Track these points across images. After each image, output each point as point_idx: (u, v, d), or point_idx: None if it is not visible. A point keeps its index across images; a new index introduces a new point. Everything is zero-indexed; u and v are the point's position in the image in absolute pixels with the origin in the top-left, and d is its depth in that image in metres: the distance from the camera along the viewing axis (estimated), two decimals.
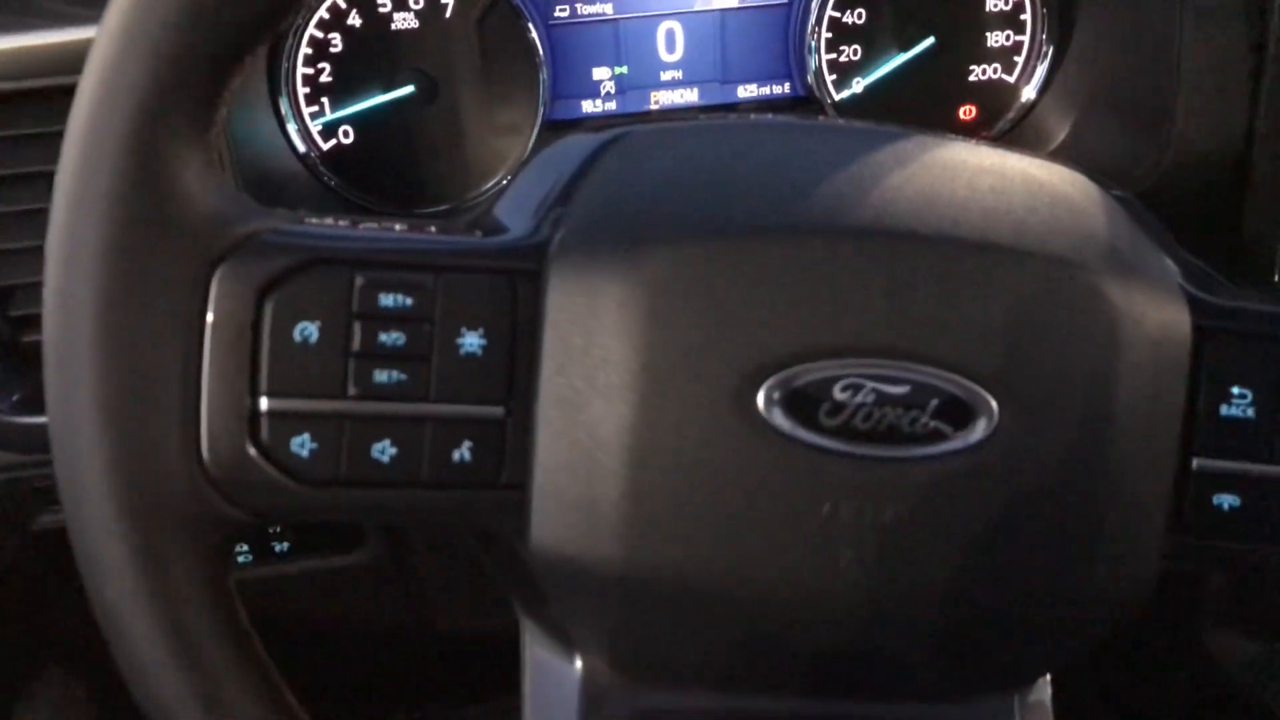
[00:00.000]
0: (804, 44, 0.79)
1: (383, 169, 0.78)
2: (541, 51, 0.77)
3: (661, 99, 0.80)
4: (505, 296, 0.43)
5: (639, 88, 0.80)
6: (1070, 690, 0.60)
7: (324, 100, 0.77)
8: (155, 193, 0.40)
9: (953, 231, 0.43)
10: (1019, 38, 0.80)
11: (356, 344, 0.42)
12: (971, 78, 0.80)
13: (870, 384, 0.42)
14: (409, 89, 0.76)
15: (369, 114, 0.77)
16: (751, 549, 0.42)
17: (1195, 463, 0.45)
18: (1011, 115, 0.81)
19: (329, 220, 0.44)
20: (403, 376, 0.42)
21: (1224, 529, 0.45)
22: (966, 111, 0.81)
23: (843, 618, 0.44)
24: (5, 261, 0.67)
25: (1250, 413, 0.44)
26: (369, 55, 0.76)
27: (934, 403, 0.42)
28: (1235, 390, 0.44)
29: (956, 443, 0.42)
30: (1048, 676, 0.51)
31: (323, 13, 0.75)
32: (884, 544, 0.42)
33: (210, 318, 0.41)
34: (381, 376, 0.42)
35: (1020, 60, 0.80)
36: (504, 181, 0.75)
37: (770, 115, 0.78)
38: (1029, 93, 0.80)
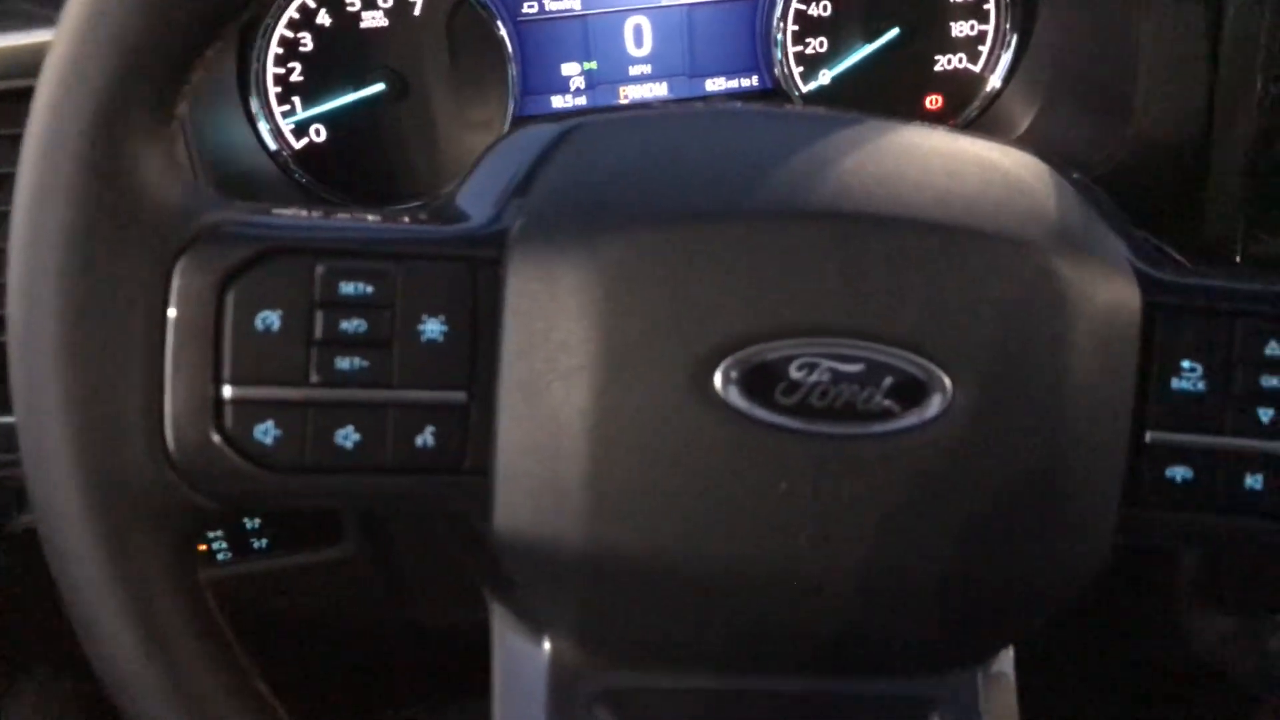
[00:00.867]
0: (770, 37, 0.79)
1: (355, 167, 0.78)
2: (510, 48, 0.77)
3: (631, 93, 0.81)
4: (466, 283, 0.43)
5: (608, 82, 0.81)
6: (1046, 668, 0.61)
7: (295, 99, 0.77)
8: (116, 186, 0.40)
9: (905, 212, 0.44)
10: (983, 27, 0.81)
11: (318, 332, 0.42)
12: (937, 68, 0.81)
13: (825, 363, 0.42)
14: (379, 87, 0.77)
15: (340, 112, 0.77)
16: (711, 527, 0.43)
17: (1148, 436, 0.45)
18: (977, 104, 0.82)
19: (290, 210, 0.44)
20: (365, 363, 0.43)
21: (1177, 501, 0.46)
22: (933, 101, 0.82)
23: (802, 595, 0.44)
24: None
25: (1201, 386, 0.45)
26: (339, 54, 0.77)
27: (888, 380, 0.43)
28: (1185, 364, 0.45)
29: (911, 419, 0.43)
30: (1010, 649, 0.52)
31: (292, 12, 0.75)
32: (841, 521, 0.43)
33: (172, 308, 0.41)
34: (344, 363, 0.42)
35: (985, 50, 0.81)
36: None
37: (727, 103, 0.79)
38: (994, 82, 0.81)
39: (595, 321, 0.42)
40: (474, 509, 0.44)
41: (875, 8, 0.79)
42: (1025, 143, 0.59)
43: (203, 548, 0.80)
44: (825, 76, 0.81)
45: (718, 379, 0.42)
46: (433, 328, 0.43)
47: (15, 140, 0.65)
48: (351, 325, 0.42)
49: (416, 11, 0.76)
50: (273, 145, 0.77)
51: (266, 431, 0.42)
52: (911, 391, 0.43)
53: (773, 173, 0.44)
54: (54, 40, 0.40)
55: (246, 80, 0.76)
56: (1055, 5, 0.78)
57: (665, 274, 0.42)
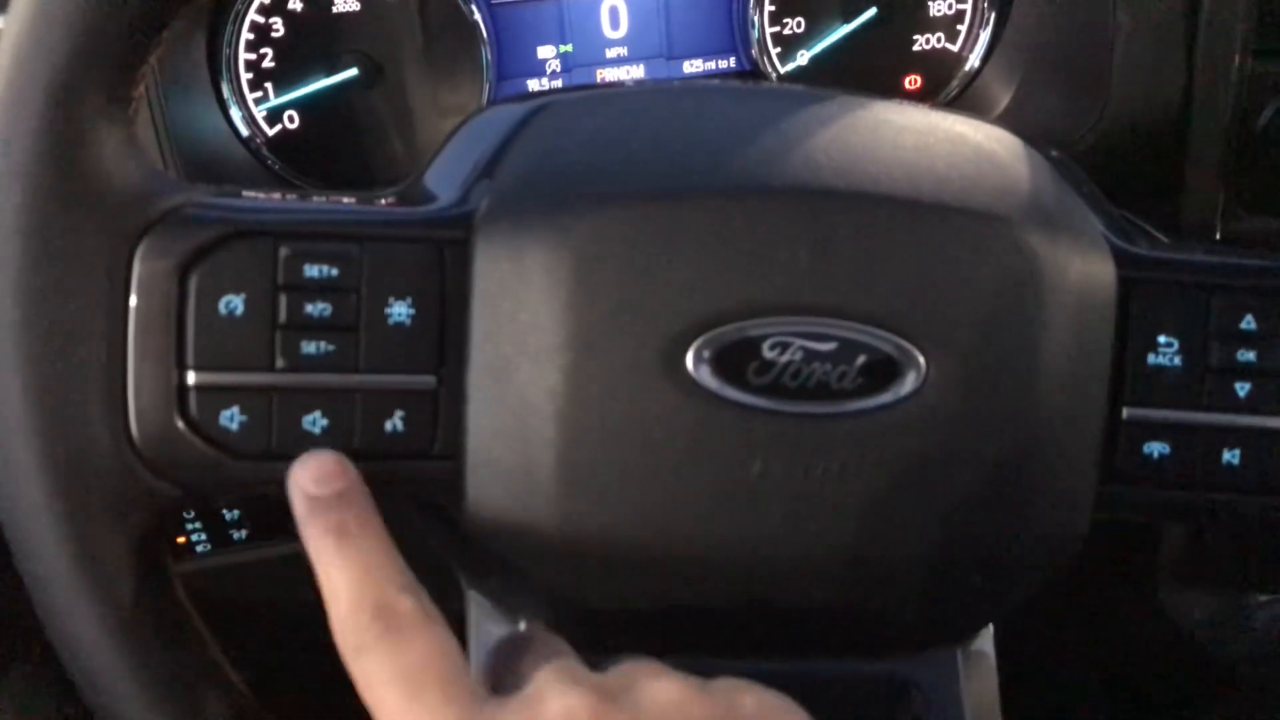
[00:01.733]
0: (747, 18, 0.79)
1: (329, 152, 0.77)
2: (485, 31, 0.77)
3: (607, 76, 0.80)
4: (433, 265, 0.43)
5: (584, 65, 0.80)
6: (1028, 650, 0.61)
7: (267, 85, 0.76)
8: (73, 170, 0.40)
9: (876, 189, 0.43)
10: (961, 6, 0.80)
11: (283, 316, 0.42)
12: (915, 47, 0.81)
13: (798, 341, 0.42)
14: (352, 72, 0.76)
15: (313, 98, 0.76)
16: (683, 508, 0.43)
17: (1125, 412, 0.45)
18: (956, 84, 0.81)
19: (252, 193, 0.43)
20: (331, 347, 0.42)
21: (1155, 477, 0.45)
22: (912, 81, 0.82)
23: (777, 576, 0.44)
24: None
25: (1177, 361, 0.45)
26: (311, 39, 0.76)
27: (861, 358, 0.42)
28: (1161, 339, 0.45)
29: (885, 397, 0.42)
30: (990, 628, 0.51)
31: None
32: (815, 501, 0.43)
33: (134, 293, 0.41)
34: (309, 348, 0.42)
35: (963, 29, 0.80)
36: None
37: (696, 80, 0.78)
38: (973, 61, 0.81)
39: (564, 302, 0.42)
40: (445, 494, 0.44)
41: None
42: (1004, 121, 0.59)
43: (181, 540, 0.79)
44: (803, 57, 0.80)
45: (689, 359, 0.42)
46: (400, 310, 0.42)
47: None
48: (316, 309, 0.42)
49: None
50: (245, 132, 0.76)
51: (232, 418, 0.42)
52: (885, 369, 0.42)
53: (743, 150, 0.44)
54: (5, 23, 0.39)
55: (218, 67, 0.75)
56: None
57: (634, 253, 0.42)
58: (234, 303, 0.41)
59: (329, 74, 0.76)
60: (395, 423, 0.43)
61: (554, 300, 0.42)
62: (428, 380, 0.43)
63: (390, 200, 0.46)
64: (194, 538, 0.79)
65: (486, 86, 0.77)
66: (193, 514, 0.77)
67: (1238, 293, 0.45)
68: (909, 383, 0.42)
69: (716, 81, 0.77)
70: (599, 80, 0.81)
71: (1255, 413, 0.45)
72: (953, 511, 0.44)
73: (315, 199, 0.44)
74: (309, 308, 0.42)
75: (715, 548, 0.43)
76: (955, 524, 0.44)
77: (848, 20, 0.79)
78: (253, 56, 0.76)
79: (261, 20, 0.75)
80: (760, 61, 0.80)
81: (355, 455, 0.43)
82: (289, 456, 0.42)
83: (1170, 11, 0.69)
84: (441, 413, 0.43)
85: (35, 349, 0.40)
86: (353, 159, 0.78)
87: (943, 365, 0.42)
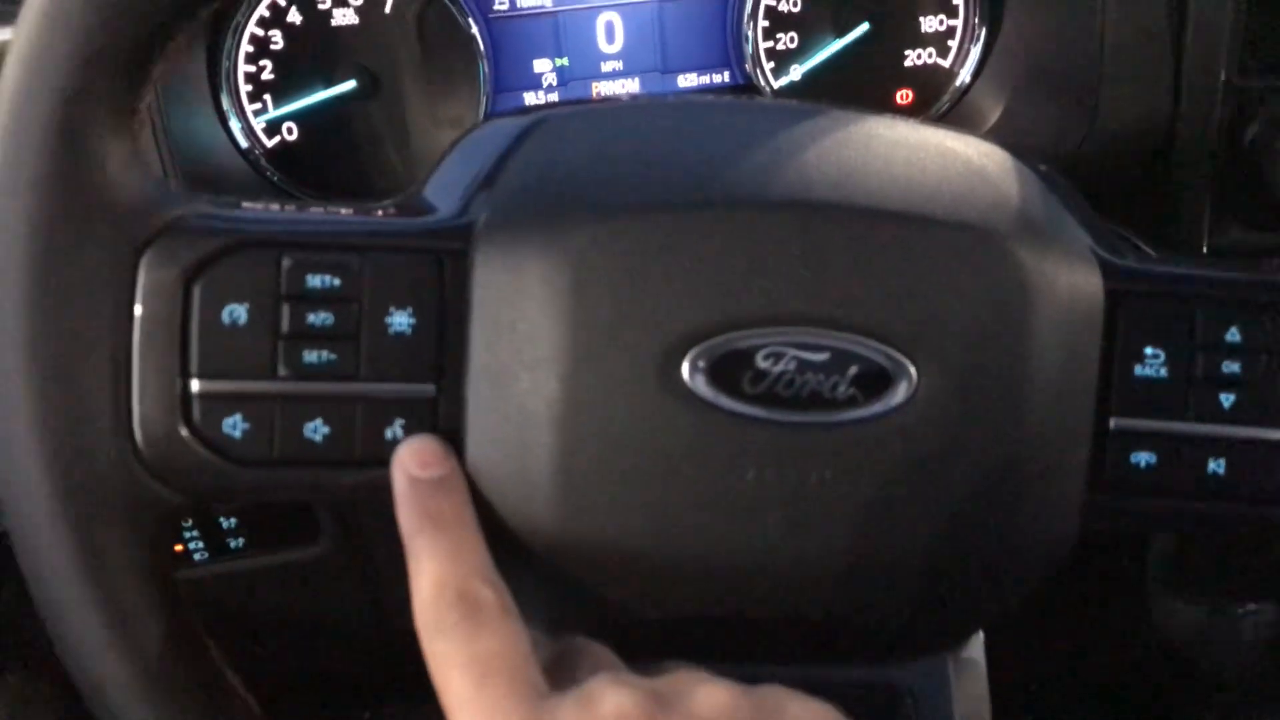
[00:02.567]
0: (741, 33, 0.80)
1: (327, 164, 0.78)
2: (482, 45, 0.77)
3: (603, 89, 0.81)
4: (433, 276, 0.43)
5: (580, 79, 0.81)
6: (1018, 659, 0.61)
7: (266, 97, 0.77)
8: (79, 180, 0.40)
9: (868, 202, 0.44)
10: (952, 22, 0.81)
11: (285, 325, 0.42)
12: (907, 62, 0.82)
13: (791, 352, 0.43)
14: (351, 84, 0.77)
15: (312, 110, 0.77)
16: (679, 517, 0.43)
17: (1112, 423, 0.46)
18: (947, 98, 0.82)
19: (255, 203, 0.44)
20: (332, 356, 0.43)
21: (1142, 486, 0.46)
22: (903, 96, 0.83)
23: (771, 583, 0.45)
24: None
25: (1164, 372, 0.46)
26: (310, 52, 0.77)
27: (854, 369, 0.43)
28: (1148, 351, 0.46)
29: (877, 407, 0.43)
30: (980, 636, 0.52)
31: (263, 10, 0.75)
32: (809, 509, 0.43)
33: (139, 303, 0.41)
34: (311, 357, 0.43)
35: (954, 44, 0.82)
36: None
37: (691, 95, 0.79)
38: (963, 76, 0.82)
39: (562, 313, 0.42)
40: None
41: (845, 3, 0.80)
42: (994, 135, 0.59)
43: (179, 548, 0.79)
44: (796, 72, 0.81)
45: (685, 369, 0.43)
46: (400, 320, 0.43)
47: None
48: (318, 318, 0.42)
49: (387, 9, 0.76)
50: (244, 144, 0.77)
51: (235, 425, 0.42)
52: (877, 380, 0.43)
53: (737, 164, 0.44)
54: (14, 35, 0.40)
55: (218, 79, 0.76)
56: None
57: (631, 265, 0.43)
58: (237, 312, 0.42)
59: (327, 86, 0.77)
60: (395, 431, 0.43)
61: (552, 310, 0.42)
62: (427, 389, 0.43)
63: (391, 211, 0.46)
64: (191, 546, 0.80)
65: (484, 99, 0.78)
66: (190, 522, 0.78)
67: (1223, 305, 0.46)
68: (900, 393, 0.43)
69: (711, 96, 0.78)
70: (594, 94, 0.82)
71: (1240, 423, 0.46)
72: (941, 520, 0.44)
73: (314, 210, 0.45)
74: (311, 317, 0.42)
75: (709, 555, 0.44)
76: (944, 532, 0.45)
77: (840, 36, 0.80)
78: (252, 69, 0.76)
79: (261, 33, 0.76)
80: (754, 76, 0.81)
81: (355, 463, 0.43)
82: (291, 464, 0.43)
83: (1158, 28, 0.70)
84: (441, 421, 0.44)
85: (41, 356, 0.40)
86: (350, 170, 0.78)
87: (933, 376, 0.43)
